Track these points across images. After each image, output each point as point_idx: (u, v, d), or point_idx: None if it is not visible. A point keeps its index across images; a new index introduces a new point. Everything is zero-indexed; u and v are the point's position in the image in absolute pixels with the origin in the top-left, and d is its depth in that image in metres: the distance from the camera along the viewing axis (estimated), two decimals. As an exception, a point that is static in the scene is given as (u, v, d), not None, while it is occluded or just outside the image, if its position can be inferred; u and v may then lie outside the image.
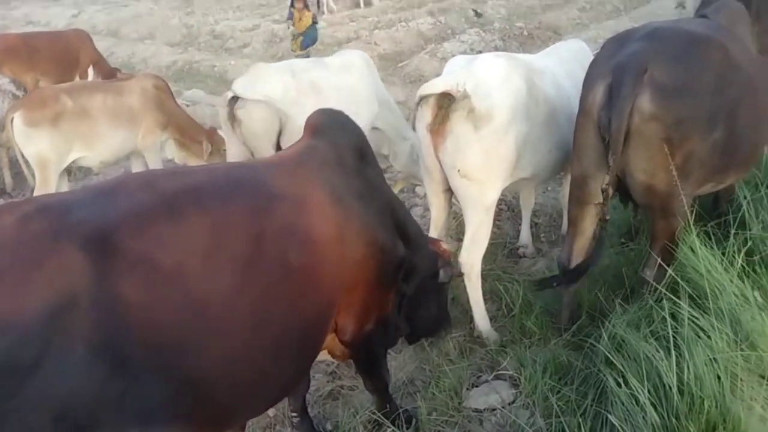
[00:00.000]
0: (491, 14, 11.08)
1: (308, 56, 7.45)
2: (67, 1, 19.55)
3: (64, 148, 4.11)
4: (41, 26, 15.32)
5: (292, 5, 7.98)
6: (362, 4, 13.32)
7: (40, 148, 4.04)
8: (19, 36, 7.08)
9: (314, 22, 7.57)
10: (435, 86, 2.71)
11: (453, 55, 8.68)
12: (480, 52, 8.86)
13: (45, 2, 19.59)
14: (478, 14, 10.97)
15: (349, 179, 2.01)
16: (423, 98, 2.73)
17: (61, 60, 6.59)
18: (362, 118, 4.22)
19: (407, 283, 2.30)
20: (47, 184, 4.10)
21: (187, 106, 6.82)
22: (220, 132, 4.72)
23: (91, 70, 6.81)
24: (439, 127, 2.68)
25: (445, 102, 2.66)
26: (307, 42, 7.68)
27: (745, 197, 2.64)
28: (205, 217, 1.56)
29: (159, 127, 4.64)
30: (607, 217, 2.44)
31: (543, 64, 3.16)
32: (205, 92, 7.90)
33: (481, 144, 2.64)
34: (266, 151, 3.79)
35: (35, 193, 4.08)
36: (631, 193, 2.44)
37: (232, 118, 3.72)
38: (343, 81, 4.04)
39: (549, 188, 4.76)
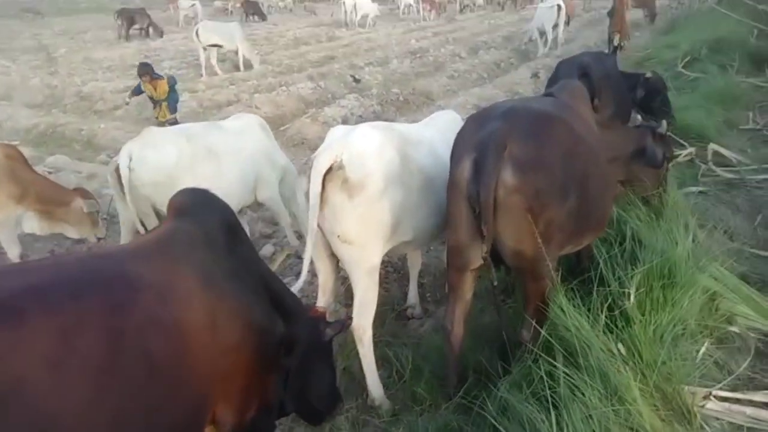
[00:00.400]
0: (369, 80, 11.59)
1: (176, 121, 7.32)
2: None
3: None
4: None
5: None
6: (242, 68, 13.35)
7: None
8: None
9: (172, 85, 7.43)
10: (316, 158, 2.82)
11: (334, 119, 9.03)
12: (360, 116, 9.20)
13: None
14: (356, 80, 11.43)
15: (219, 260, 1.91)
16: (304, 167, 2.92)
17: None
18: (263, 181, 4.19)
19: (290, 356, 2.22)
20: None
21: (49, 173, 6.31)
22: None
23: None
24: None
25: (324, 173, 2.76)
26: (173, 106, 7.51)
27: (601, 255, 2.90)
28: (51, 319, 1.38)
29: (12, 201, 4.22)
30: (495, 283, 2.57)
31: (420, 134, 3.33)
32: (71, 158, 7.35)
33: (356, 211, 2.77)
34: (153, 219, 3.67)
35: None
36: (503, 257, 2.59)
37: (122, 185, 3.59)
38: (240, 144, 4.02)
39: (432, 248, 4.92)
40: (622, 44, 10.85)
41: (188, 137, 3.81)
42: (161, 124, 7.46)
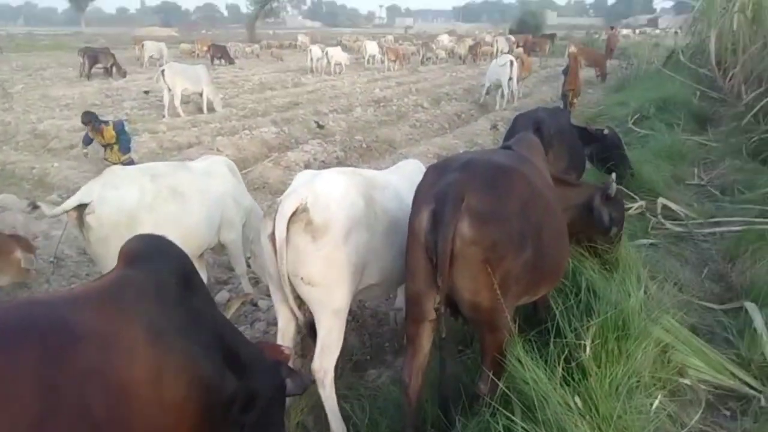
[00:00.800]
0: (332, 127, 11.72)
1: (131, 161, 7.23)
2: None
3: None
4: None
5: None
6: (205, 110, 13.32)
7: None
8: None
9: (119, 129, 7.40)
10: (277, 200, 2.87)
11: (296, 164, 9.04)
12: (323, 161, 9.24)
13: None
14: (320, 126, 11.53)
15: (169, 311, 1.81)
16: (267, 209, 2.89)
17: None
18: (228, 222, 4.12)
19: (247, 413, 2.11)
20: None
21: (-5, 212, 6.04)
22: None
23: None
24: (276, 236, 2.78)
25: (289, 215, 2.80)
26: (125, 147, 7.44)
27: (558, 306, 2.93)
28: None
29: None
30: (443, 335, 2.54)
31: (385, 179, 3.42)
32: (19, 197, 7.06)
33: (320, 253, 2.79)
34: (113, 261, 3.50)
35: None
36: (460, 309, 2.58)
37: (81, 224, 3.47)
38: (206, 185, 3.96)
39: (392, 296, 4.88)
40: (575, 100, 11.39)
41: (152, 176, 3.71)
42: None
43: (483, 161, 2.74)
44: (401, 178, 3.50)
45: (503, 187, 2.55)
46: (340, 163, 9.37)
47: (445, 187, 2.50)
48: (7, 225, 5.97)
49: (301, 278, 2.83)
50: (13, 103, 14.14)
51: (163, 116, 12.62)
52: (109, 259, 3.55)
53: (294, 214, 2.76)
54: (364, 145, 10.28)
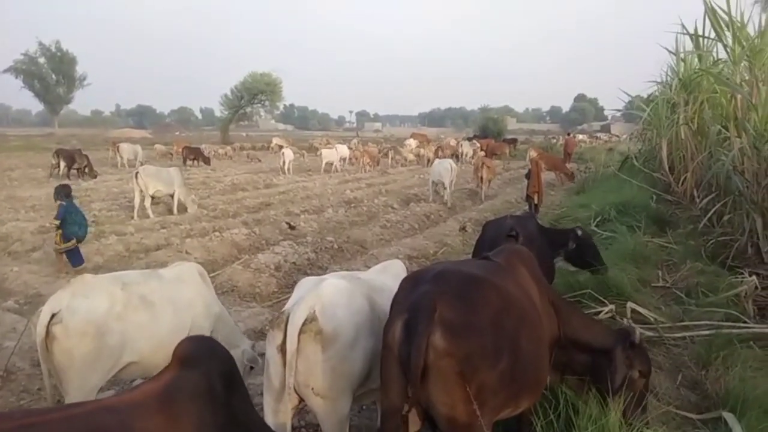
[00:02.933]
0: (304, 227, 11.79)
1: (77, 248, 7.94)
2: None
3: None
4: None
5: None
6: (176, 211, 13.31)
7: None
8: None
9: (63, 214, 7.66)
10: (285, 310, 2.90)
11: (266, 266, 8.95)
12: (294, 263, 9.18)
13: None
14: (291, 227, 11.58)
15: (216, 411, 2.04)
16: (274, 321, 2.90)
17: None
18: (197, 330, 3.99)
19: None
20: None
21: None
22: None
23: None
24: (289, 346, 2.77)
25: None
26: (66, 235, 7.58)
27: (538, 421, 2.85)
28: None
29: None
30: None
31: (382, 282, 3.47)
32: (-28, 304, 6.72)
33: (330, 363, 2.80)
34: (79, 373, 3.40)
35: None
36: (437, 424, 2.50)
37: (46, 335, 3.35)
38: (177, 293, 3.92)
39: (365, 408, 4.68)
40: (539, 203, 11.85)
41: (123, 285, 3.67)
42: (58, 251, 8.10)
43: (455, 272, 2.78)
44: (392, 279, 3.53)
45: (475, 297, 2.57)
46: (311, 264, 9.33)
47: (417, 298, 2.51)
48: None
49: (312, 389, 2.82)
50: (-24, 204, 13.89)
51: (132, 217, 12.54)
52: (72, 370, 3.39)
53: (304, 323, 2.78)
54: (335, 246, 10.30)
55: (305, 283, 3.27)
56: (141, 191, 12.63)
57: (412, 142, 38.82)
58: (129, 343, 3.55)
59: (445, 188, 15.38)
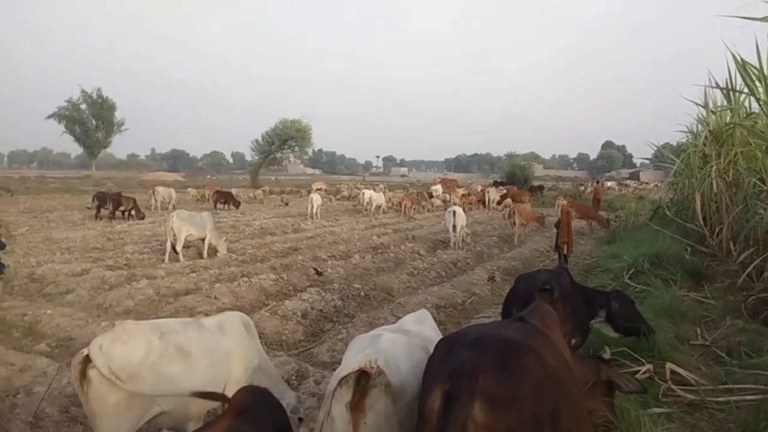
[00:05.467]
0: (331, 273, 11.80)
1: None
2: None
3: None
4: None
5: None
6: (206, 255, 13.49)
7: None
8: None
9: None
10: (351, 366, 2.85)
11: (293, 313, 8.93)
12: (320, 310, 9.14)
13: None
14: (318, 273, 11.60)
15: None
16: (343, 379, 2.86)
17: None
18: (234, 382, 3.98)
19: None
20: None
21: (-23, 365, 5.80)
22: None
23: None
24: (358, 403, 2.77)
25: (362, 380, 2.81)
26: None
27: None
28: None
29: None
30: None
31: (427, 333, 3.49)
32: (6, 347, 6.84)
33: (399, 417, 2.80)
34: (110, 419, 3.43)
35: None
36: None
37: (83, 378, 3.42)
38: (216, 344, 3.91)
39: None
40: (567, 253, 11.65)
41: (161, 334, 3.70)
42: None
43: (495, 338, 2.70)
44: (434, 333, 3.58)
45: (516, 366, 2.48)
46: (338, 312, 9.27)
47: (458, 366, 2.44)
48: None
49: None
50: (15, 245, 14.29)
51: (163, 261, 12.75)
52: (104, 417, 3.41)
53: (371, 378, 2.78)
54: (362, 293, 10.24)
55: (361, 340, 3.29)
56: (174, 235, 12.87)
57: (439, 188, 39.06)
58: (161, 392, 3.56)
59: (454, 233, 15.74)
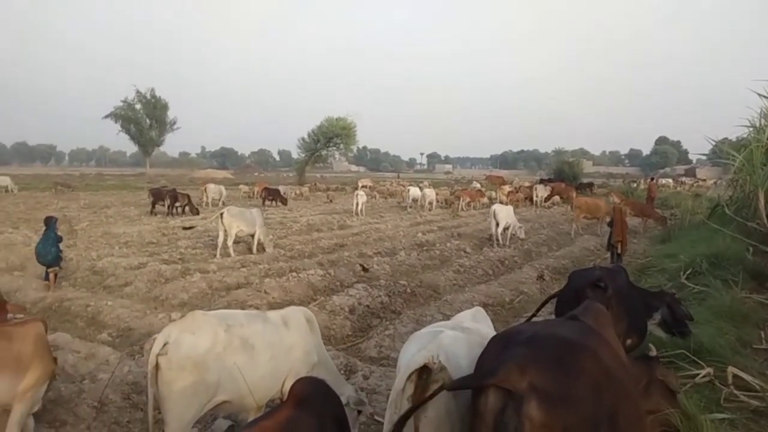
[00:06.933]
0: (377, 270, 11.86)
1: None
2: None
3: None
4: None
5: None
6: (255, 251, 13.81)
7: None
8: None
9: None
10: (417, 362, 2.88)
11: (341, 308, 9.03)
12: (367, 306, 9.20)
13: None
14: (365, 269, 11.69)
15: None
16: (406, 375, 2.90)
17: None
18: (296, 375, 4.10)
19: None
20: None
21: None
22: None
23: None
24: (419, 398, 2.80)
25: (424, 375, 2.85)
26: None
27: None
28: None
29: (47, 376, 4.19)
30: None
31: (485, 330, 3.48)
32: (72, 335, 7.20)
33: (460, 412, 2.80)
34: (176, 405, 3.58)
35: None
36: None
37: (154, 364, 3.61)
38: (279, 338, 4.04)
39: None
40: (621, 253, 11.30)
41: (227, 327, 3.84)
42: None
43: (549, 336, 2.66)
44: (489, 329, 3.55)
45: (573, 365, 2.43)
46: (384, 308, 9.32)
47: (513, 364, 2.41)
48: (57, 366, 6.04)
49: None
50: (77, 239, 15.04)
51: (215, 256, 13.12)
52: (170, 400, 3.57)
53: (432, 373, 2.81)
54: (408, 290, 10.26)
55: (420, 336, 3.30)
56: (225, 231, 13.23)
57: (477, 185, 38.82)
58: (224, 382, 3.70)
59: (498, 230, 15.66)
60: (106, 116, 71.74)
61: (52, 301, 9.15)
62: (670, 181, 53.18)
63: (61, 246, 10.28)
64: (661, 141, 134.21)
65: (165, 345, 3.60)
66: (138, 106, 73.56)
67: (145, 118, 74.09)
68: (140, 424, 5.08)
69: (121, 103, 72.43)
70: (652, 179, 34.89)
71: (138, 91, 73.32)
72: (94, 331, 7.93)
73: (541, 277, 11.36)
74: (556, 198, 31.32)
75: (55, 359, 4.59)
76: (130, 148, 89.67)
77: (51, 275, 9.93)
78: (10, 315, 7.14)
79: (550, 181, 40.84)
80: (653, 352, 3.68)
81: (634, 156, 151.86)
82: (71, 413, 5.03)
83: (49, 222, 10.32)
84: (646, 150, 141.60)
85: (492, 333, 3.32)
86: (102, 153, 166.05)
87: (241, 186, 38.15)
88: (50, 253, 9.89)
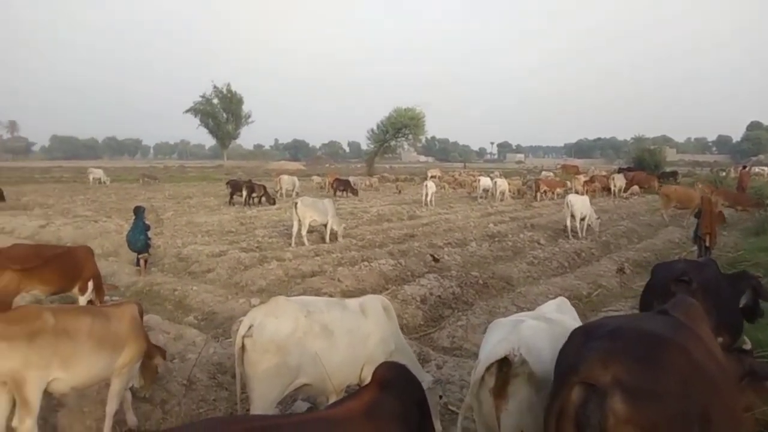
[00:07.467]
0: (448, 261, 11.81)
1: None
2: (37, 212, 20.05)
3: (40, 367, 3.76)
4: (5, 234, 15.38)
5: None
6: (327, 240, 14.13)
7: (12, 365, 3.67)
8: (31, 246, 7.81)
9: None
10: (497, 354, 2.87)
11: (413, 298, 9.08)
12: (439, 296, 9.19)
13: (14, 211, 20.03)
14: (435, 259, 11.66)
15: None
16: (489, 367, 2.89)
17: (64, 272, 6.97)
18: (374, 363, 4.20)
19: None
20: (27, 404, 3.70)
21: (143, 332, 6.58)
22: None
23: (90, 284, 7.18)
24: (500, 390, 2.81)
25: (504, 367, 2.83)
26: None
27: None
28: None
29: (140, 355, 4.55)
30: None
31: (569, 322, 3.39)
32: (162, 317, 7.68)
33: (542, 405, 2.74)
34: (260, 385, 3.75)
35: (17, 414, 3.69)
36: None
37: (241, 345, 3.78)
38: (357, 325, 4.14)
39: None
40: (710, 246, 10.61)
41: (308, 313, 3.97)
42: None
43: (634, 329, 2.56)
44: (574, 321, 3.46)
45: (660, 360, 2.33)
46: (456, 299, 9.28)
47: (596, 357, 2.35)
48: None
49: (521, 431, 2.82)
50: (163, 228, 15.98)
51: (290, 245, 13.54)
52: (255, 380, 3.76)
53: (513, 366, 2.79)
54: (480, 282, 10.14)
55: (501, 325, 3.27)
56: (299, 220, 13.62)
57: (550, 174, 37.66)
58: (305, 366, 3.84)
59: (574, 221, 15.25)
60: (187, 111, 75.46)
61: (143, 285, 9.79)
62: (766, 169, 49.19)
63: (150, 234, 10.97)
64: (754, 126, 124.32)
65: (250, 327, 3.77)
66: (215, 101, 76.77)
67: (222, 113, 77.22)
68: (225, 402, 5.37)
69: (200, 98, 75.87)
70: (744, 167, 32.44)
71: (215, 87, 76.52)
72: (181, 313, 8.41)
73: (621, 270, 10.89)
74: (636, 188, 29.85)
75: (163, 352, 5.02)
76: (209, 141, 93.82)
77: (141, 261, 10.62)
78: (106, 297, 7.76)
79: (629, 170, 38.90)
80: (748, 345, 3.45)
81: (722, 143, 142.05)
82: (164, 389, 5.38)
83: (138, 211, 11.03)
84: (737, 136, 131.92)
85: (577, 325, 3.23)
86: (183, 146, 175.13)
87: (313, 177, 39.14)
88: (140, 241, 10.58)
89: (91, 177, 37.20)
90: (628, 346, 2.39)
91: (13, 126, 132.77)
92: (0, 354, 3.69)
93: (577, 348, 2.55)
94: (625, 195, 28.75)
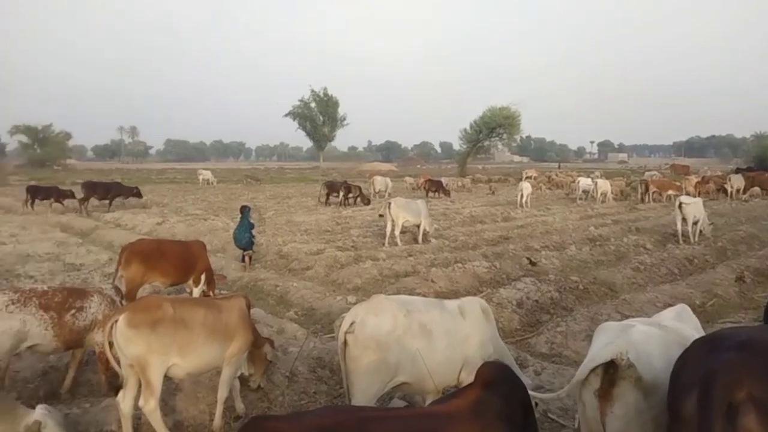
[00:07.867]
0: (545, 264, 11.43)
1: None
2: (154, 210, 21.90)
3: (161, 353, 4.16)
4: (128, 230, 16.93)
5: None
6: (420, 241, 14.17)
7: (138, 350, 4.10)
8: (154, 241, 8.63)
9: None
10: (603, 356, 2.80)
11: (509, 301, 8.88)
12: (536, 301, 8.92)
13: (135, 209, 22.01)
14: (532, 263, 11.32)
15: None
16: (594, 369, 2.84)
17: (181, 265, 7.65)
18: (472, 365, 4.22)
19: None
20: (151, 386, 4.13)
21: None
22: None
23: (203, 277, 7.84)
24: (606, 392, 2.75)
25: (610, 369, 2.77)
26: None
27: None
28: None
29: (247, 345, 4.83)
30: None
31: (689, 331, 3.21)
32: (265, 311, 8.09)
33: (652, 413, 2.67)
34: (361, 379, 3.85)
35: (142, 395, 4.13)
36: None
37: (343, 341, 3.93)
38: (455, 326, 4.17)
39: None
40: None
41: (408, 312, 4.03)
42: None
43: (766, 342, 2.35)
44: (696, 332, 3.25)
45: None
46: (554, 304, 8.97)
47: (724, 370, 2.18)
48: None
49: None
50: (265, 227, 16.82)
51: (383, 245, 13.73)
52: (356, 374, 3.87)
53: (620, 370, 2.72)
54: (580, 287, 9.73)
55: (609, 329, 3.18)
56: (392, 221, 13.78)
57: (656, 174, 35.21)
58: (404, 364, 3.89)
59: (685, 225, 14.18)
60: (286, 115, 78.32)
61: (248, 281, 10.37)
62: None
63: (254, 232, 11.60)
64: None
65: (352, 324, 3.88)
66: (312, 105, 79.40)
67: (319, 116, 79.60)
68: (324, 395, 5.55)
69: (299, 102, 78.88)
70: None
71: (312, 90, 79.16)
72: (282, 308, 8.82)
73: (740, 279, 9.98)
74: (756, 189, 27.22)
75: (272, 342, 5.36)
76: (306, 143, 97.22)
77: (246, 258, 11.26)
78: (217, 290, 8.31)
79: (749, 170, 35.61)
80: None
81: None
82: (268, 380, 5.66)
83: (243, 210, 11.69)
84: None
85: (696, 335, 3.01)
86: (282, 148, 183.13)
87: (406, 178, 39.47)
88: (245, 238, 11.22)
89: (200, 178, 39.97)
90: (761, 360, 2.20)
91: (133, 131, 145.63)
92: (128, 340, 4.09)
93: (700, 358, 2.39)
94: (744, 197, 26.31)
